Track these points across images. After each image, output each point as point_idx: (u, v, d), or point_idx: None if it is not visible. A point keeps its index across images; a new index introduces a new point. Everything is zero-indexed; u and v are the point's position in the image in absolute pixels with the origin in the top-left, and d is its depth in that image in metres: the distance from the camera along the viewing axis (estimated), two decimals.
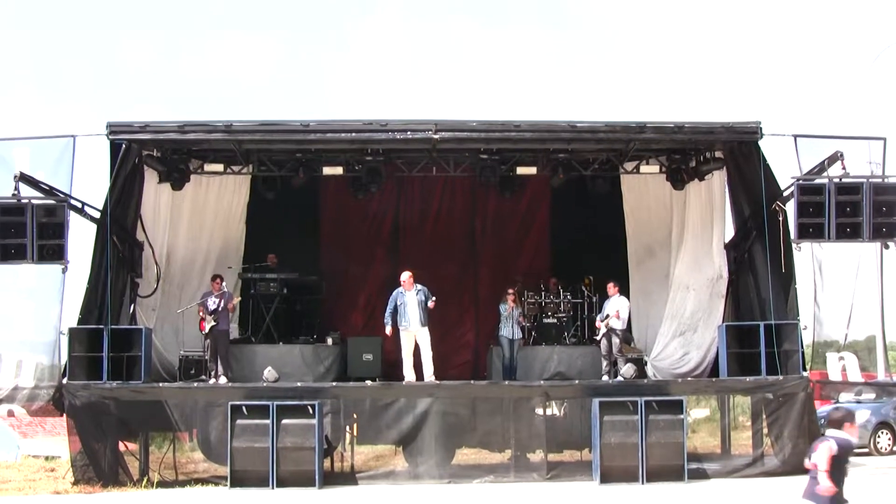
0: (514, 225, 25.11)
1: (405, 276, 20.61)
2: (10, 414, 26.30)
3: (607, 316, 21.54)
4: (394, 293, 20.69)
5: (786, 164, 19.69)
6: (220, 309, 20.68)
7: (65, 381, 18.82)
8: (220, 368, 20.53)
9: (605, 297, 22.47)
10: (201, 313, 20.80)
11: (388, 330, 20.72)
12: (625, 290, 22.33)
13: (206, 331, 20.63)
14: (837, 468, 9.89)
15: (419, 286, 20.56)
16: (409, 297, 20.50)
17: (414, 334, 20.50)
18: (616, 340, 21.52)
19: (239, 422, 18.23)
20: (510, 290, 22.10)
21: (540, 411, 19.45)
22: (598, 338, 21.91)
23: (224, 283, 21.22)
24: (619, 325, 21.53)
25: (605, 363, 21.59)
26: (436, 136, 20.09)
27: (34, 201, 18.45)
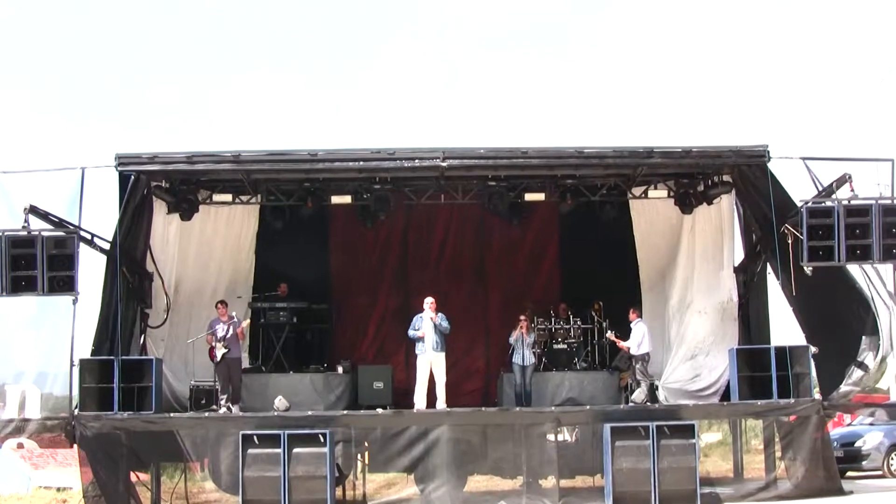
0: (523, 251, 25.05)
1: (427, 301, 20.69)
2: (20, 446, 26.36)
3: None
4: (416, 317, 20.82)
5: (794, 186, 19.72)
6: (228, 336, 20.66)
7: (76, 412, 18.82)
8: (232, 397, 20.49)
9: (616, 321, 22.54)
10: (211, 342, 20.78)
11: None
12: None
13: (218, 359, 20.62)
14: None
15: (440, 313, 20.64)
16: (427, 323, 20.55)
17: (429, 360, 20.53)
18: (637, 366, 21.54)
19: (250, 451, 18.18)
20: (521, 317, 22.07)
21: (551, 437, 19.35)
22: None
23: (229, 308, 21.21)
24: (636, 350, 21.54)
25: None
26: (443, 164, 20.12)
27: (44, 233, 18.47)
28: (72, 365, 18.80)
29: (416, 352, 20.76)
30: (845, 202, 18.76)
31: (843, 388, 19.39)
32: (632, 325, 21.85)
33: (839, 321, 19.77)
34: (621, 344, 21.91)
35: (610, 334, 22.22)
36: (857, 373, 19.38)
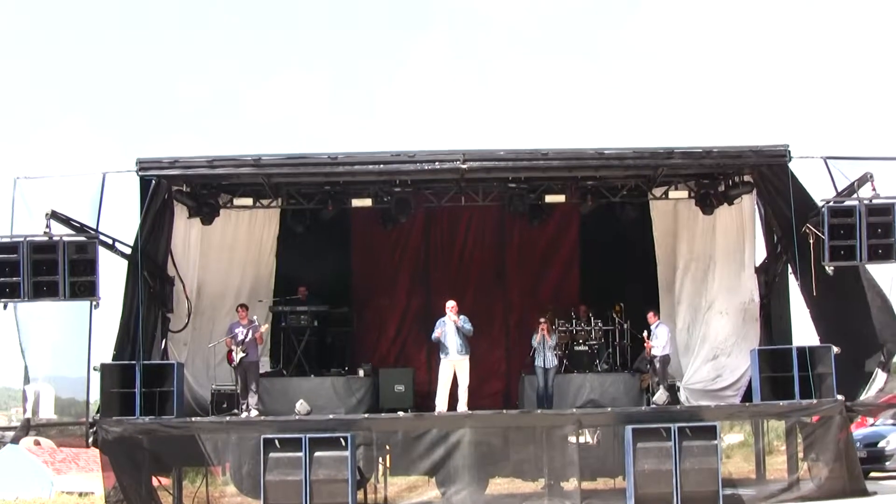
0: (544, 253, 24.98)
1: (449, 304, 20.66)
2: (37, 443, 26.48)
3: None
4: (438, 321, 20.78)
5: (815, 186, 19.65)
6: (247, 339, 20.69)
7: (97, 416, 18.87)
8: (251, 400, 20.53)
9: (636, 323, 22.51)
10: (230, 345, 20.81)
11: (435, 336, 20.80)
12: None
13: (236, 363, 20.65)
14: None
15: (462, 316, 20.60)
16: (450, 326, 20.52)
17: (453, 364, 20.50)
18: (657, 367, 21.51)
19: (272, 455, 18.20)
20: (542, 320, 22.02)
21: (573, 439, 19.31)
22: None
23: (249, 312, 21.26)
24: (659, 352, 21.49)
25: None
26: (464, 166, 20.06)
27: (65, 238, 18.51)
28: (89, 369, 18.85)
29: (441, 355, 20.73)
30: (867, 201, 18.67)
31: (868, 393, 19.30)
32: (654, 328, 21.77)
33: (856, 324, 19.64)
34: (650, 346, 21.77)
35: (648, 343, 21.99)
36: (880, 376, 19.29)
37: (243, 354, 20.59)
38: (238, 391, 20.83)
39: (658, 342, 21.51)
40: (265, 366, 22.21)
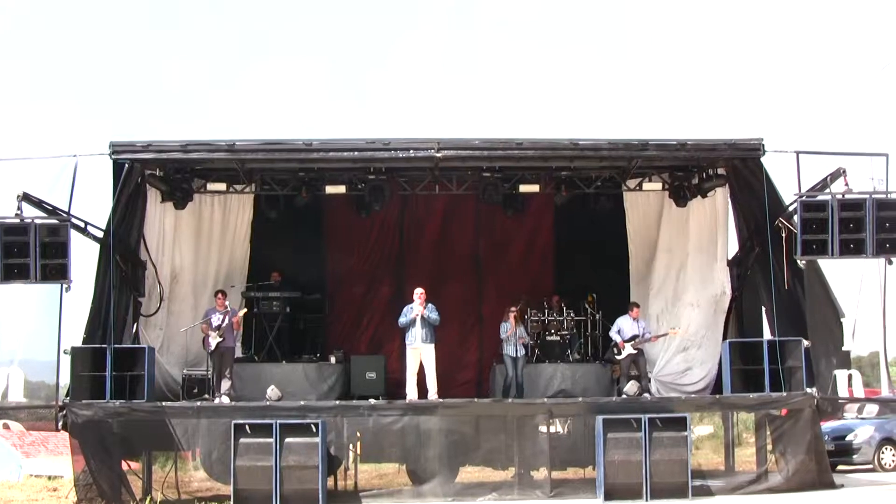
0: (518, 243, 25.01)
1: (417, 291, 20.62)
2: (6, 427, 26.34)
3: (635, 337, 21.57)
4: (406, 307, 20.74)
5: (788, 180, 19.69)
6: (223, 325, 20.66)
7: (67, 399, 18.78)
8: (224, 386, 20.48)
9: (609, 314, 22.55)
10: (206, 331, 20.76)
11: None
12: (626, 307, 22.26)
13: (212, 348, 20.61)
14: None
15: (429, 304, 20.59)
16: (416, 314, 20.50)
17: (419, 351, 20.49)
18: (643, 360, 21.58)
19: (242, 440, 18.15)
20: (512, 309, 22.03)
21: (544, 429, 19.35)
22: (620, 357, 21.69)
23: (227, 300, 21.23)
24: (641, 344, 21.61)
25: (625, 381, 21.34)
26: (438, 155, 20.06)
27: (37, 221, 18.41)
28: (59, 352, 18.74)
29: (406, 342, 20.71)
30: (839, 196, 18.74)
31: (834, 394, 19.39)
32: (639, 320, 21.73)
33: (807, 326, 19.70)
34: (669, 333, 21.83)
35: (672, 331, 22.00)
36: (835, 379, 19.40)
37: (220, 339, 20.55)
38: (211, 376, 20.78)
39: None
40: (237, 351, 22.15)
